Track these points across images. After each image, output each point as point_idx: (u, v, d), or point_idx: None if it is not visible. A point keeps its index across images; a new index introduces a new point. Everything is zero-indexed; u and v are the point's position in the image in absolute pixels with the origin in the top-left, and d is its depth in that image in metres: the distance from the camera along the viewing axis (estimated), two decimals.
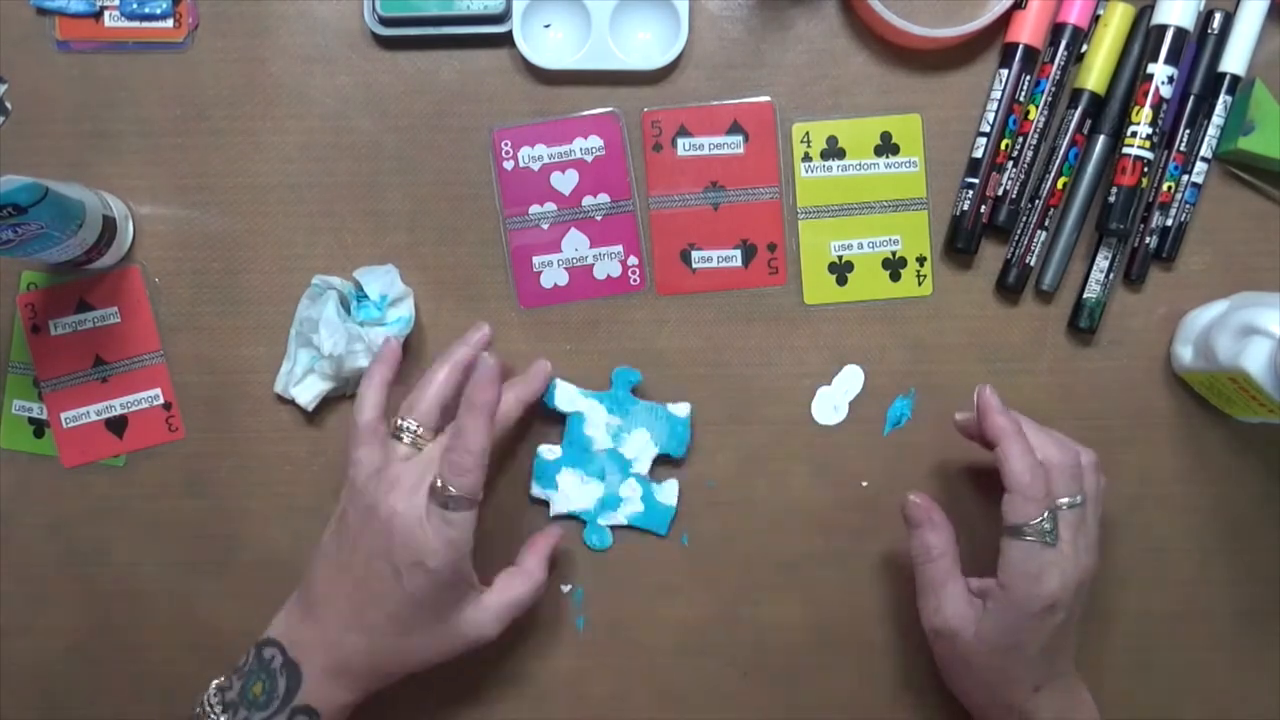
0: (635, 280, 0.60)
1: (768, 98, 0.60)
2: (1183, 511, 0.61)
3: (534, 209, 0.60)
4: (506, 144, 0.59)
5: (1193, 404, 0.60)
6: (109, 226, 0.58)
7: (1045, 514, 0.50)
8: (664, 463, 0.60)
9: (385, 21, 0.59)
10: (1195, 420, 0.60)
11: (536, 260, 0.60)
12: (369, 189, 0.61)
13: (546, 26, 0.60)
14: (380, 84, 0.60)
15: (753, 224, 0.60)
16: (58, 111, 0.61)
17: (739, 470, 0.61)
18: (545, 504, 0.60)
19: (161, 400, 0.61)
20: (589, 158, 0.60)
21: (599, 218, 0.60)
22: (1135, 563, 0.61)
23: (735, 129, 0.60)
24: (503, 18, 0.59)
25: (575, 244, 0.60)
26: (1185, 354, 0.58)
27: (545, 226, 0.60)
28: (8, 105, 0.61)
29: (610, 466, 0.60)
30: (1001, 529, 0.51)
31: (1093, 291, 0.59)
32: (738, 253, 0.60)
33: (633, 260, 0.59)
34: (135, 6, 0.60)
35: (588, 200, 0.60)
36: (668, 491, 0.60)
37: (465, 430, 0.50)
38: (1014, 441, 0.51)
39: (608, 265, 0.60)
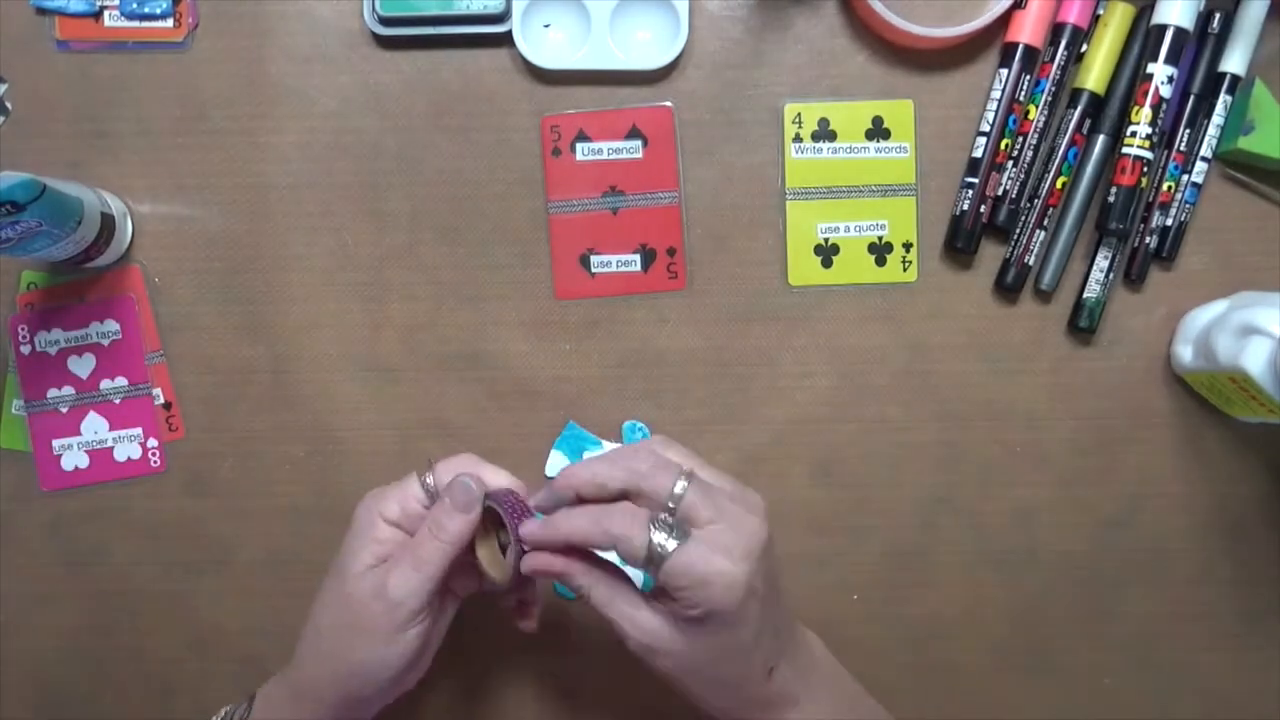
0: (155, 462, 0.60)
1: (668, 102, 0.60)
2: (1183, 511, 0.61)
3: (52, 393, 0.60)
4: (24, 329, 0.60)
5: (1193, 404, 0.60)
6: (107, 224, 0.58)
7: (654, 522, 0.45)
8: None
9: (385, 21, 0.59)
10: (1195, 420, 0.60)
11: (56, 443, 0.61)
12: (369, 189, 0.61)
13: (546, 26, 0.60)
14: (380, 84, 0.60)
15: (652, 229, 0.60)
16: (57, 111, 0.61)
17: (739, 470, 0.61)
18: None
19: (161, 400, 0.61)
20: (105, 341, 0.61)
21: (117, 401, 0.60)
22: (1135, 563, 0.61)
23: (634, 134, 0.60)
24: (503, 18, 0.59)
25: (94, 427, 0.61)
26: (1185, 354, 0.58)
27: (64, 410, 0.61)
28: (8, 105, 0.61)
29: None
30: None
31: (1092, 291, 0.59)
32: (637, 257, 0.61)
33: (152, 443, 0.60)
34: (135, 6, 0.60)
35: (105, 384, 0.60)
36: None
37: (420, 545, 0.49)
38: (573, 521, 0.47)
39: (128, 448, 0.61)
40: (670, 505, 0.45)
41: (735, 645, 0.46)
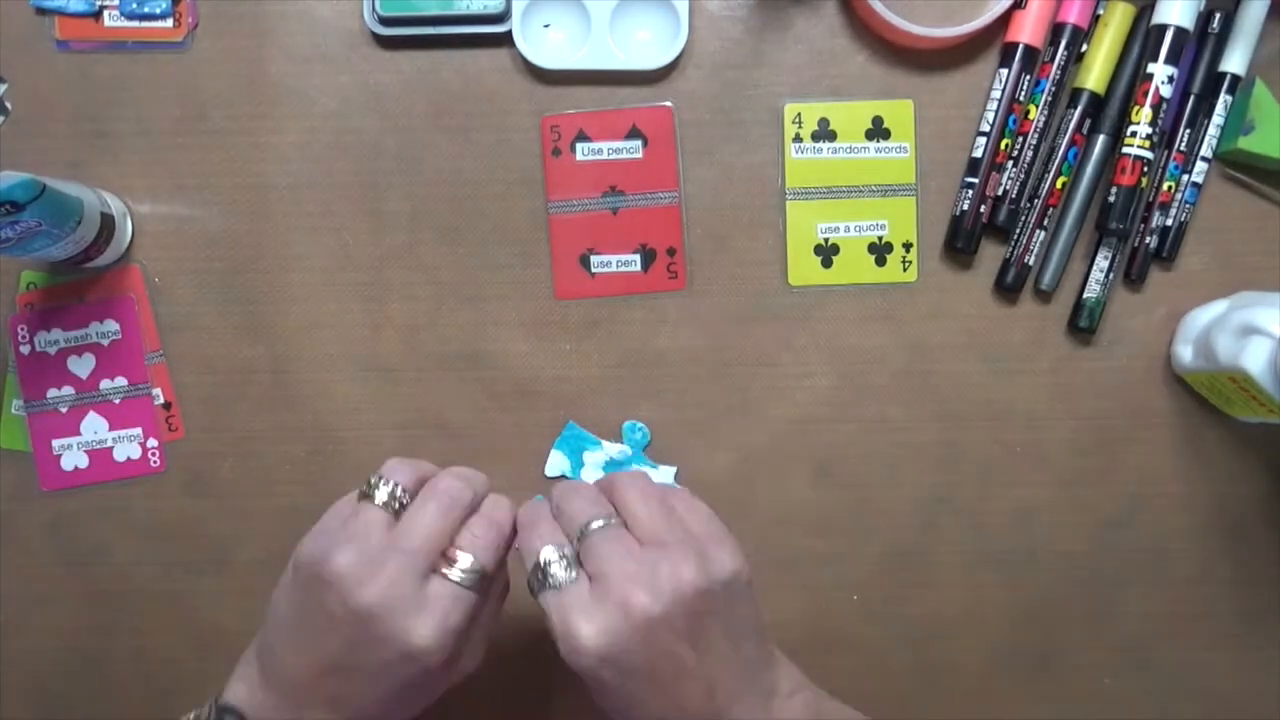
0: (155, 462, 0.60)
1: (668, 102, 0.60)
2: (1183, 511, 0.61)
3: (51, 393, 0.60)
4: (23, 329, 0.60)
5: (1193, 404, 0.60)
6: (107, 224, 0.58)
7: (554, 549, 0.43)
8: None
9: (385, 21, 0.59)
10: (1195, 420, 0.60)
11: (55, 443, 0.61)
12: (369, 189, 0.61)
13: (546, 26, 0.60)
14: (380, 84, 0.60)
15: (652, 229, 0.60)
16: (57, 111, 0.61)
17: (739, 470, 0.61)
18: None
19: (161, 400, 0.61)
20: (105, 341, 0.61)
21: (117, 401, 0.60)
22: (1135, 563, 0.61)
23: (634, 134, 0.60)
24: (503, 18, 0.59)
25: (94, 427, 0.61)
26: (1185, 354, 0.58)
27: (64, 410, 0.61)
28: (7, 105, 0.61)
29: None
30: None
31: (1092, 291, 0.59)
32: (637, 257, 0.61)
33: (152, 443, 0.60)
34: (135, 6, 0.60)
35: (105, 384, 0.60)
36: (663, 475, 0.60)
37: (493, 510, 0.46)
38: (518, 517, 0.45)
39: (127, 448, 0.61)
40: (578, 540, 0.43)
41: (619, 708, 0.43)
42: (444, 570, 0.44)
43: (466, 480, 0.46)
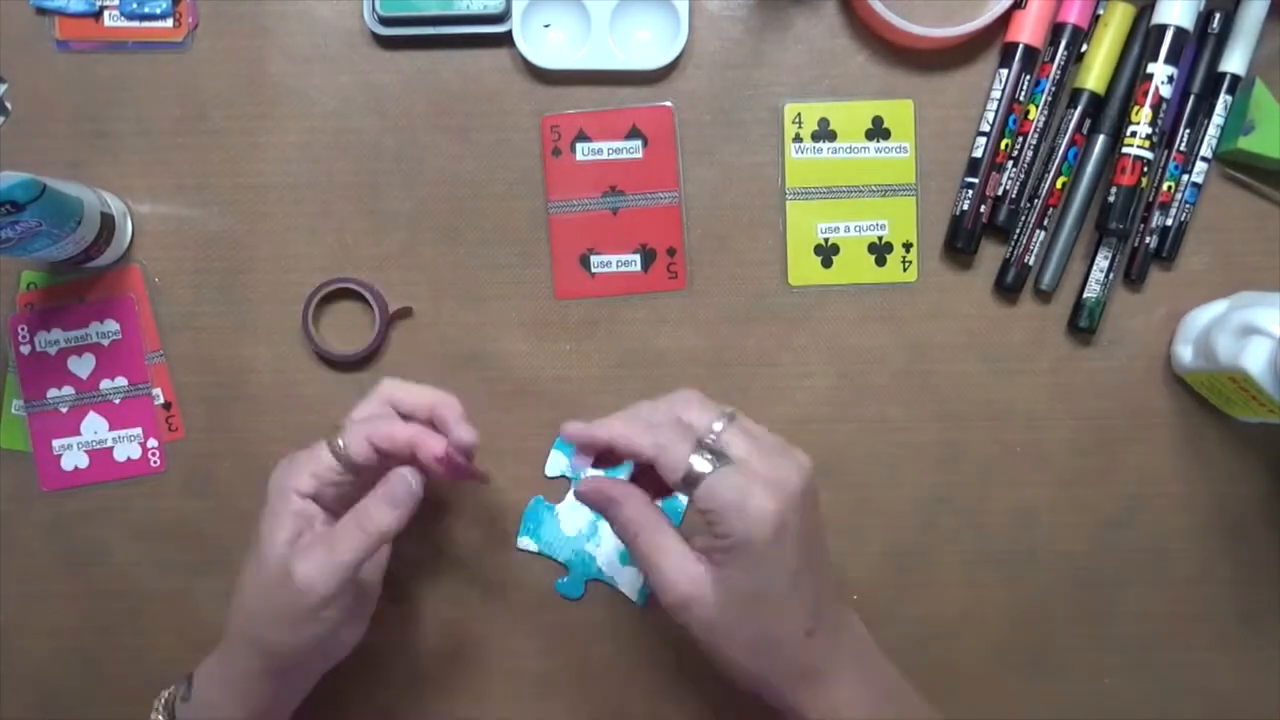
0: (155, 462, 0.60)
1: (668, 102, 0.60)
2: (1183, 511, 0.61)
3: (51, 393, 0.60)
4: (24, 329, 0.60)
5: (1193, 404, 0.60)
6: (107, 224, 0.58)
7: (697, 446, 0.45)
8: None
9: (385, 21, 0.59)
10: (1195, 420, 0.60)
11: (55, 443, 0.61)
12: (369, 189, 0.61)
13: (546, 26, 0.60)
14: (380, 84, 0.60)
15: (652, 229, 0.60)
16: (57, 111, 0.61)
17: None
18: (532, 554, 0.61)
19: (161, 400, 0.61)
20: (105, 341, 0.61)
21: (117, 401, 0.60)
22: (1135, 563, 0.61)
23: (634, 134, 0.60)
24: (503, 18, 0.59)
25: (94, 427, 0.60)
26: (1185, 354, 0.58)
27: (64, 410, 0.61)
28: (8, 105, 0.61)
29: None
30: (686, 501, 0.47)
31: (1092, 291, 0.59)
32: (636, 257, 0.61)
33: (152, 443, 0.60)
34: (135, 6, 0.60)
35: (105, 384, 0.60)
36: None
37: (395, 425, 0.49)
38: (613, 424, 0.46)
39: (128, 448, 0.61)
40: (711, 437, 0.45)
41: (769, 591, 0.45)
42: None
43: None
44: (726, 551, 0.44)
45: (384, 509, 0.48)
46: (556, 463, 0.61)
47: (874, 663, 0.50)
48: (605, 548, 0.60)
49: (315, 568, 0.47)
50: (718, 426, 0.46)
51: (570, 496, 0.59)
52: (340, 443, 0.49)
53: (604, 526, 0.60)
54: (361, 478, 0.50)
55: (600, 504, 0.48)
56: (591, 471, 0.49)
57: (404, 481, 0.49)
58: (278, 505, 0.49)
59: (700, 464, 0.44)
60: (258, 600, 0.49)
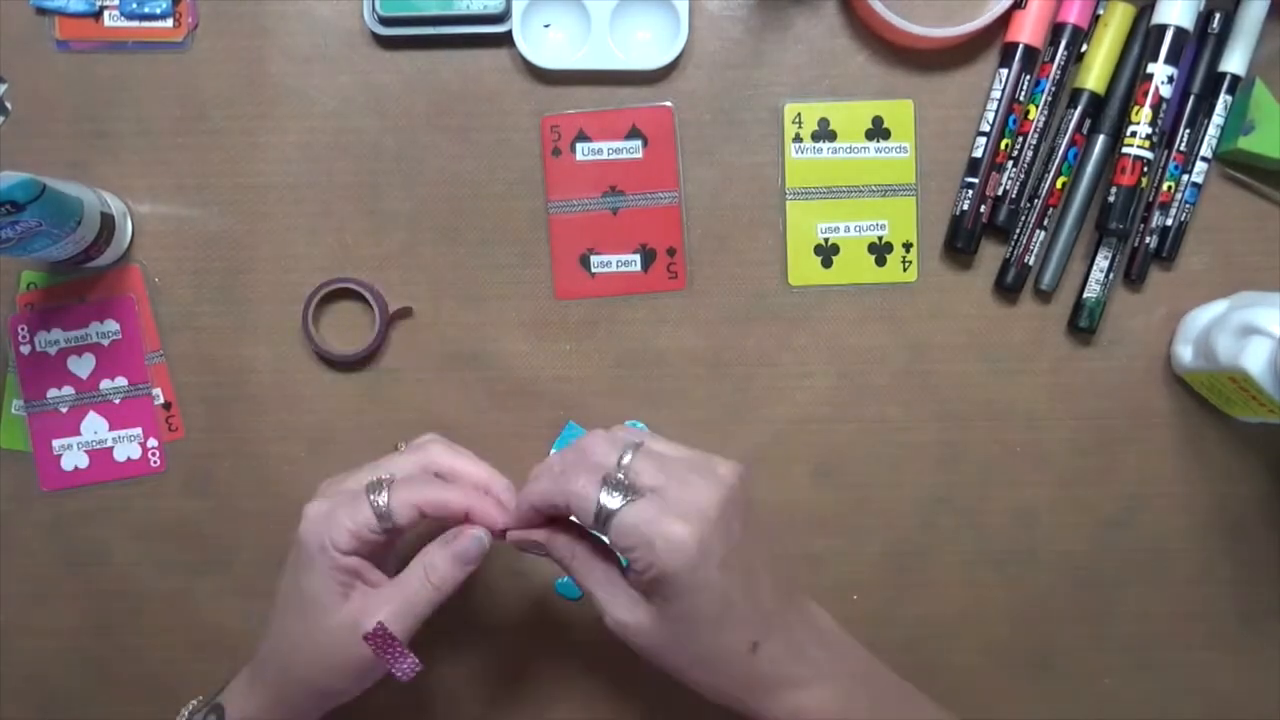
0: (155, 462, 0.60)
1: (668, 102, 0.60)
2: (1183, 511, 0.61)
3: (51, 393, 0.60)
4: (24, 329, 0.60)
5: (1193, 404, 0.60)
6: (107, 224, 0.58)
7: (603, 485, 0.45)
8: None
9: (385, 21, 0.59)
10: (1195, 420, 0.60)
11: (55, 443, 0.61)
12: (369, 189, 0.61)
13: (546, 26, 0.60)
14: (380, 84, 0.60)
15: (652, 229, 0.60)
16: (57, 111, 0.61)
17: None
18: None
19: (161, 400, 0.61)
20: (105, 341, 0.60)
21: (117, 401, 0.60)
22: (1135, 563, 0.61)
23: (634, 134, 0.60)
24: (503, 18, 0.59)
25: (94, 427, 0.60)
26: (1185, 354, 0.58)
27: (64, 410, 0.61)
28: (8, 105, 0.61)
29: None
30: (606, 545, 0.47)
31: (1092, 291, 0.59)
32: (636, 257, 0.61)
33: (152, 443, 0.60)
34: (135, 6, 0.60)
35: (105, 384, 0.60)
36: None
37: (417, 491, 0.49)
38: (530, 489, 0.48)
39: (128, 448, 0.61)
40: (620, 473, 0.45)
41: (700, 615, 0.45)
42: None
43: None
44: (650, 584, 0.45)
45: (454, 566, 0.49)
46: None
47: (840, 655, 0.50)
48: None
49: (390, 623, 0.48)
50: (626, 459, 0.46)
51: None
52: (382, 502, 0.48)
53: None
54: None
55: (528, 548, 0.49)
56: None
57: (478, 542, 0.49)
58: (320, 561, 0.48)
59: (610, 501, 0.44)
60: (317, 654, 0.49)
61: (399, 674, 0.47)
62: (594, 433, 0.48)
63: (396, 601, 0.48)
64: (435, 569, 0.48)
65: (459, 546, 0.49)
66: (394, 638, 0.47)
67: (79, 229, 0.56)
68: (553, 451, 0.61)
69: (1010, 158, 0.59)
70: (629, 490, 0.45)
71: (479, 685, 0.61)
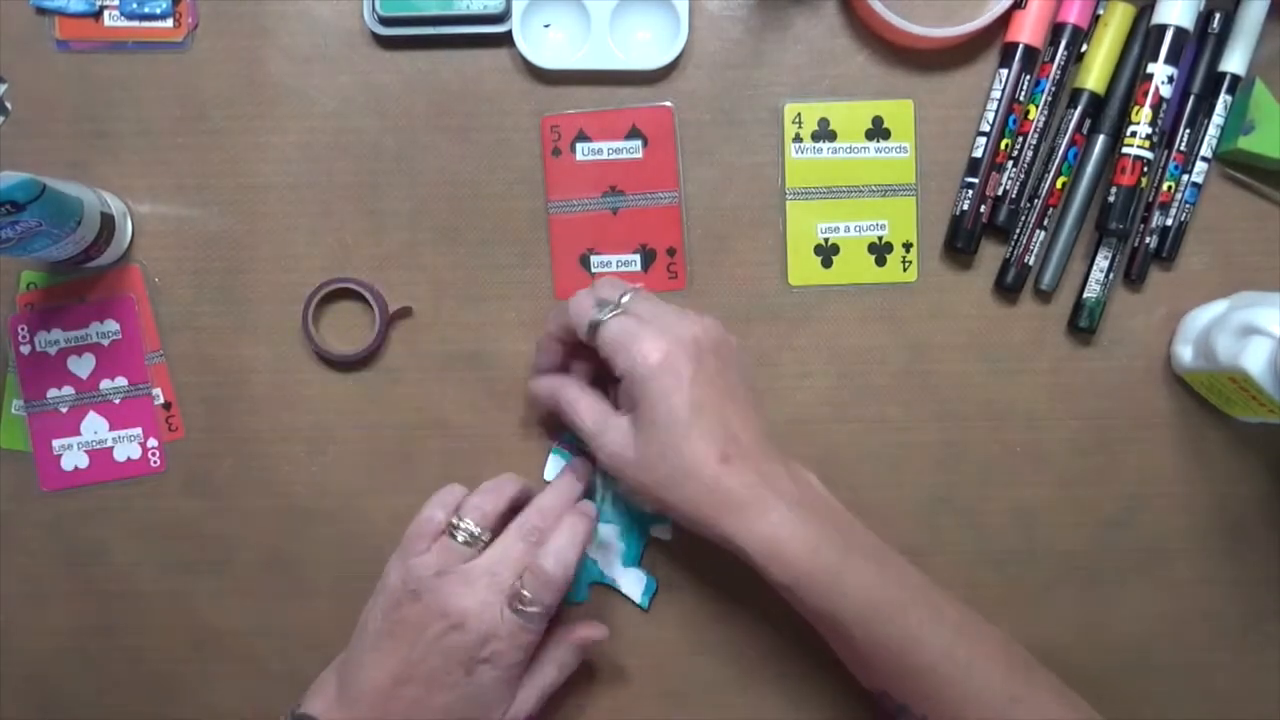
0: (155, 462, 0.60)
1: (668, 102, 0.60)
2: (1183, 511, 0.61)
3: (51, 393, 0.60)
4: (23, 329, 0.60)
5: (1193, 404, 0.60)
6: (107, 224, 0.58)
7: (601, 306, 0.52)
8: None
9: (385, 21, 0.59)
10: (1195, 420, 0.60)
11: (55, 443, 0.61)
12: (369, 189, 0.61)
13: (546, 26, 0.60)
14: (380, 84, 0.60)
15: (652, 229, 0.60)
16: (57, 111, 0.61)
17: None
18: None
19: (161, 400, 0.61)
20: (105, 341, 0.60)
21: (117, 401, 0.60)
22: (1135, 563, 0.61)
23: (634, 134, 0.60)
24: (503, 18, 0.59)
25: (94, 427, 0.60)
26: (1185, 354, 0.58)
27: (64, 410, 0.60)
28: (8, 105, 0.61)
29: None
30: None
31: (1092, 291, 0.59)
32: (636, 257, 0.61)
33: (152, 443, 0.60)
34: (135, 6, 0.60)
35: (105, 384, 0.60)
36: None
37: (561, 537, 0.52)
38: (551, 316, 0.56)
39: (128, 448, 0.61)
40: (620, 303, 0.52)
41: (669, 420, 0.49)
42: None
43: (541, 512, 0.54)
44: (627, 392, 0.51)
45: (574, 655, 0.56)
46: (555, 467, 0.60)
47: (822, 503, 0.52)
48: (607, 551, 0.60)
49: (544, 570, 0.52)
50: (625, 298, 0.53)
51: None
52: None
53: (604, 529, 0.60)
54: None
55: (549, 401, 0.56)
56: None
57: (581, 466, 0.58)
58: (431, 534, 0.54)
59: (600, 315, 0.52)
60: (465, 622, 0.51)
61: None
62: (601, 282, 0.55)
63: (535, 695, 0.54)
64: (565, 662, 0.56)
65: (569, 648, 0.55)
66: None
67: (79, 229, 0.56)
68: (551, 456, 0.61)
69: (1010, 158, 0.59)
70: (613, 311, 0.52)
71: None
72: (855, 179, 0.60)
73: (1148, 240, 0.59)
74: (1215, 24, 0.58)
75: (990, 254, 0.60)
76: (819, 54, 0.60)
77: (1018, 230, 0.59)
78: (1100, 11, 0.59)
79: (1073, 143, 0.59)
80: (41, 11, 0.60)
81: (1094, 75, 0.58)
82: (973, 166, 0.59)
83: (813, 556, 0.49)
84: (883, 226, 0.60)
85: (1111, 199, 0.58)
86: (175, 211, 0.61)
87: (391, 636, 0.51)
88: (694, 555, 0.60)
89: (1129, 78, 0.58)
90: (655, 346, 0.50)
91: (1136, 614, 0.61)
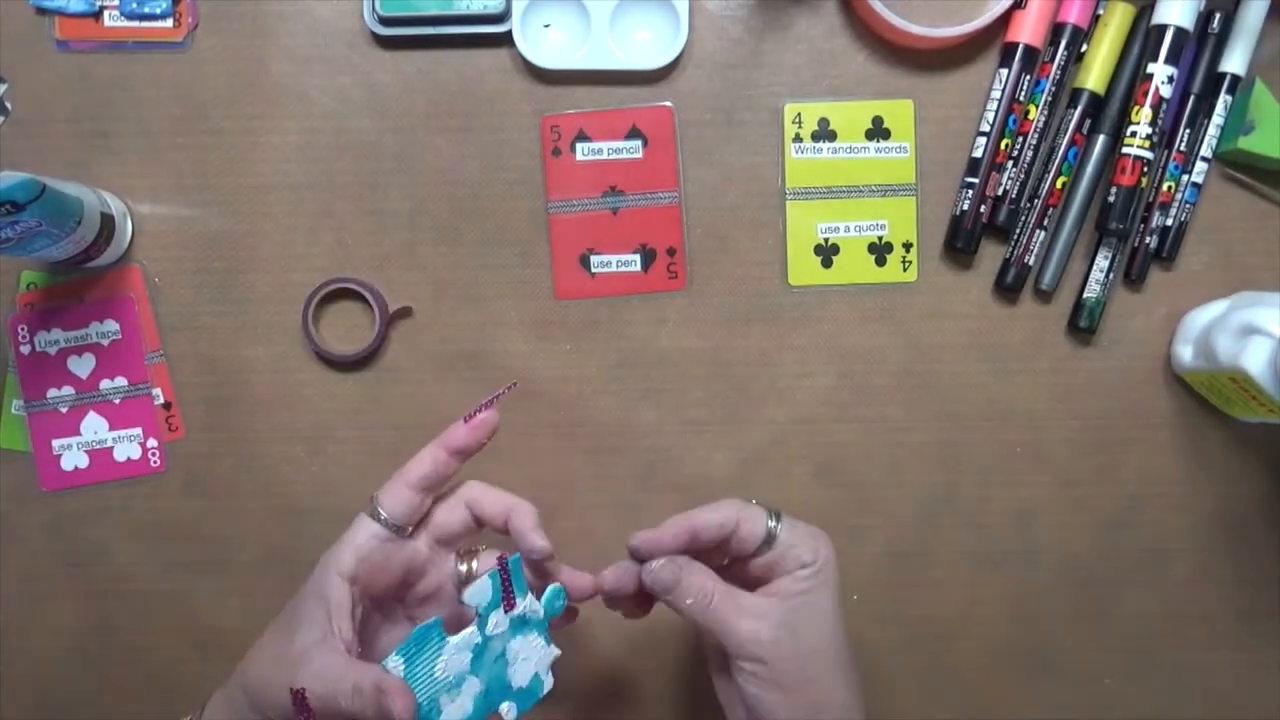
0: (155, 462, 0.60)
1: (668, 102, 0.60)
2: (1183, 511, 0.61)
3: (51, 393, 0.60)
4: (23, 329, 0.60)
5: (1193, 404, 0.60)
6: (107, 224, 0.58)
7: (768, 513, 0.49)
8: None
9: (385, 21, 0.59)
10: (1195, 420, 0.60)
11: (55, 443, 0.61)
12: (369, 189, 0.61)
13: (546, 26, 0.60)
14: (380, 84, 0.60)
15: (652, 229, 0.60)
16: (57, 111, 0.61)
17: (739, 470, 0.61)
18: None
19: (161, 400, 0.61)
20: (105, 341, 0.60)
21: (117, 401, 0.60)
22: (1135, 563, 0.61)
23: (634, 134, 0.60)
24: (503, 18, 0.59)
25: (94, 427, 0.60)
26: (1185, 354, 0.58)
27: (64, 410, 0.60)
28: (8, 105, 0.61)
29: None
30: (754, 566, 0.49)
31: (1093, 291, 0.59)
32: (636, 257, 0.61)
33: (152, 443, 0.60)
34: (135, 6, 0.60)
35: (105, 384, 0.60)
36: (546, 657, 0.50)
37: (419, 458, 0.50)
38: (682, 518, 0.48)
39: (127, 448, 0.61)
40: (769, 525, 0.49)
41: (826, 619, 0.47)
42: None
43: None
44: (809, 579, 0.48)
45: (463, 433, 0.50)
46: (481, 592, 0.48)
47: None
48: (461, 704, 0.47)
49: (315, 700, 0.45)
50: (770, 523, 0.49)
51: (463, 634, 0.47)
52: (378, 503, 0.50)
53: (468, 684, 0.47)
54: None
55: (673, 580, 0.48)
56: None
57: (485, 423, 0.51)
58: (319, 580, 0.49)
59: (772, 525, 0.48)
60: (268, 669, 0.47)
61: None
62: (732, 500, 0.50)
63: (329, 683, 0.45)
64: (362, 693, 0.44)
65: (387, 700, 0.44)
66: (311, 712, 0.44)
67: (79, 229, 0.56)
68: (484, 578, 0.48)
69: (1010, 158, 0.59)
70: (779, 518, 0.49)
71: None
72: (855, 179, 0.60)
73: (1148, 240, 0.59)
74: (1215, 24, 0.58)
75: (990, 254, 0.60)
76: (819, 54, 0.60)
77: (1018, 230, 0.59)
78: (1100, 11, 0.59)
79: (1073, 143, 0.59)
80: (41, 11, 0.60)
81: (1094, 75, 0.58)
82: (973, 166, 0.59)
83: None
84: (883, 226, 0.60)
85: (1111, 199, 0.58)
86: (175, 211, 0.61)
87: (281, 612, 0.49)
88: None
89: (1129, 78, 0.58)
90: (825, 540, 0.49)
91: (1136, 614, 0.61)
